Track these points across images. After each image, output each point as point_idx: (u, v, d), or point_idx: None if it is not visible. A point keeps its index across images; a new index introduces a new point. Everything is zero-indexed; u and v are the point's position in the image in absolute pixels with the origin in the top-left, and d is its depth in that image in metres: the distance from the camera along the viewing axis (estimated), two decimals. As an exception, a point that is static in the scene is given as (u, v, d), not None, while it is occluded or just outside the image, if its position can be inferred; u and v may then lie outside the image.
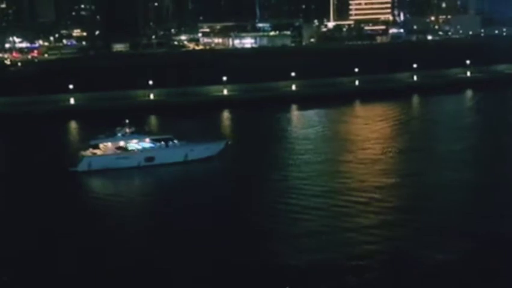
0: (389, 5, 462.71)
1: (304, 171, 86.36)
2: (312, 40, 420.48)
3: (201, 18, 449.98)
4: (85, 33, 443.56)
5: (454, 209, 67.96)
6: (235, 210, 70.24)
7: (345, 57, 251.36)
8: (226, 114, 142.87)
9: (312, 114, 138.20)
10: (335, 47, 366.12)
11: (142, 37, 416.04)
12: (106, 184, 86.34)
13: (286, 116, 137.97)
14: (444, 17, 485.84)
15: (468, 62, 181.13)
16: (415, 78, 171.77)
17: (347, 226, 62.82)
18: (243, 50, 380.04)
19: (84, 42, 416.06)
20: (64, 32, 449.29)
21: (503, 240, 57.71)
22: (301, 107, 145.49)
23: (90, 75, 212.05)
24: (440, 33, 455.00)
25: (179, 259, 56.15)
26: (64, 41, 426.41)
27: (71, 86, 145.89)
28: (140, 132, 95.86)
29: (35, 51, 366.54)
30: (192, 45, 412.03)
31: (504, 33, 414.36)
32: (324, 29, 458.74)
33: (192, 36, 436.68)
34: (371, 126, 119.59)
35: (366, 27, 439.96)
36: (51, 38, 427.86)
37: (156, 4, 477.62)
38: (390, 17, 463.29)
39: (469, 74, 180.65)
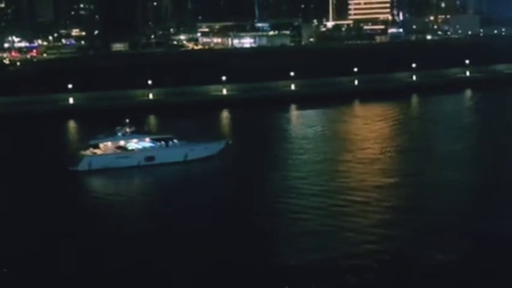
0: (388, 5, 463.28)
1: (304, 170, 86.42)
2: (311, 40, 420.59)
3: (200, 18, 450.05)
4: (83, 33, 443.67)
5: (454, 208, 67.96)
6: (235, 210, 70.24)
7: (345, 57, 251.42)
8: (225, 114, 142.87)
9: (311, 113, 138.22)
10: (334, 46, 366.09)
11: (141, 37, 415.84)
12: (106, 183, 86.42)
13: (285, 115, 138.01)
14: (443, 16, 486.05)
15: (467, 61, 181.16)
16: (414, 77, 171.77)
17: (347, 226, 62.82)
18: (242, 50, 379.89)
19: (83, 42, 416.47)
20: (62, 31, 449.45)
21: (503, 240, 57.68)
22: (301, 107, 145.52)
23: (89, 74, 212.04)
24: (439, 32, 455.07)
25: (179, 259, 56.15)
26: (63, 41, 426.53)
27: (70, 86, 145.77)
28: (140, 131, 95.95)
29: (34, 51, 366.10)
30: (191, 45, 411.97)
31: (503, 33, 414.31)
32: (323, 29, 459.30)
33: (191, 35, 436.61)
34: (370, 126, 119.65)
35: (366, 27, 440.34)
36: (50, 38, 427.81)
37: (155, 4, 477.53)
38: (390, 17, 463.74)
39: (468, 73, 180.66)
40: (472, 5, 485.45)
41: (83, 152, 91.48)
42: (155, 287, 51.33)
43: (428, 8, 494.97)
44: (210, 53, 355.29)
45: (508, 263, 53.04)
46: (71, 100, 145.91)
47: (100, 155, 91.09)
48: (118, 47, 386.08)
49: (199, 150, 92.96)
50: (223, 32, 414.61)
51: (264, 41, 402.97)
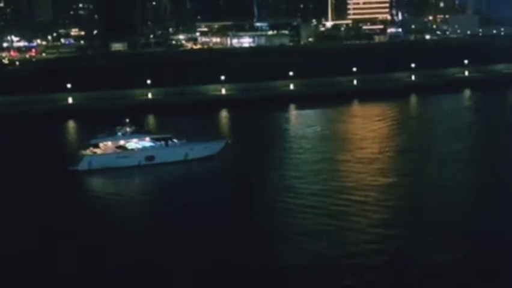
0: (387, 5, 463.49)
1: (303, 170, 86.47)
2: (310, 39, 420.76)
3: (199, 17, 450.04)
4: (83, 33, 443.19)
5: (454, 208, 67.96)
6: (235, 209, 70.27)
7: (343, 57, 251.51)
8: (224, 114, 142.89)
9: (310, 113, 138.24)
10: (333, 46, 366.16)
11: (140, 36, 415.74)
12: (106, 183, 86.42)
13: (284, 115, 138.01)
14: (442, 16, 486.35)
15: (466, 61, 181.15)
16: (413, 77, 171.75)
17: (346, 225, 62.82)
18: (241, 49, 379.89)
19: (82, 42, 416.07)
20: (61, 31, 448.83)
21: (503, 240, 57.65)
22: (300, 106, 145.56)
23: (88, 74, 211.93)
24: (438, 32, 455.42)
25: (179, 259, 56.17)
26: (62, 40, 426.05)
27: (69, 85, 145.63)
28: (140, 131, 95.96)
29: (33, 50, 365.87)
30: (189, 45, 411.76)
31: (502, 33, 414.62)
32: (322, 29, 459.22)
33: (189, 35, 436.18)
34: (369, 126, 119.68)
35: (364, 27, 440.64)
36: (49, 37, 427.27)
37: (154, 3, 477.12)
38: (388, 17, 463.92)
39: (467, 73, 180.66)
40: (471, 4, 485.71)
41: (83, 152, 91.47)
42: (155, 287, 51.35)
43: (427, 7, 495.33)
44: (209, 52, 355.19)
45: (508, 263, 52.98)
46: (70, 100, 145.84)
47: (100, 155, 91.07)
48: (117, 46, 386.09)
49: (199, 150, 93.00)
50: (222, 32, 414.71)
51: (263, 41, 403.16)
